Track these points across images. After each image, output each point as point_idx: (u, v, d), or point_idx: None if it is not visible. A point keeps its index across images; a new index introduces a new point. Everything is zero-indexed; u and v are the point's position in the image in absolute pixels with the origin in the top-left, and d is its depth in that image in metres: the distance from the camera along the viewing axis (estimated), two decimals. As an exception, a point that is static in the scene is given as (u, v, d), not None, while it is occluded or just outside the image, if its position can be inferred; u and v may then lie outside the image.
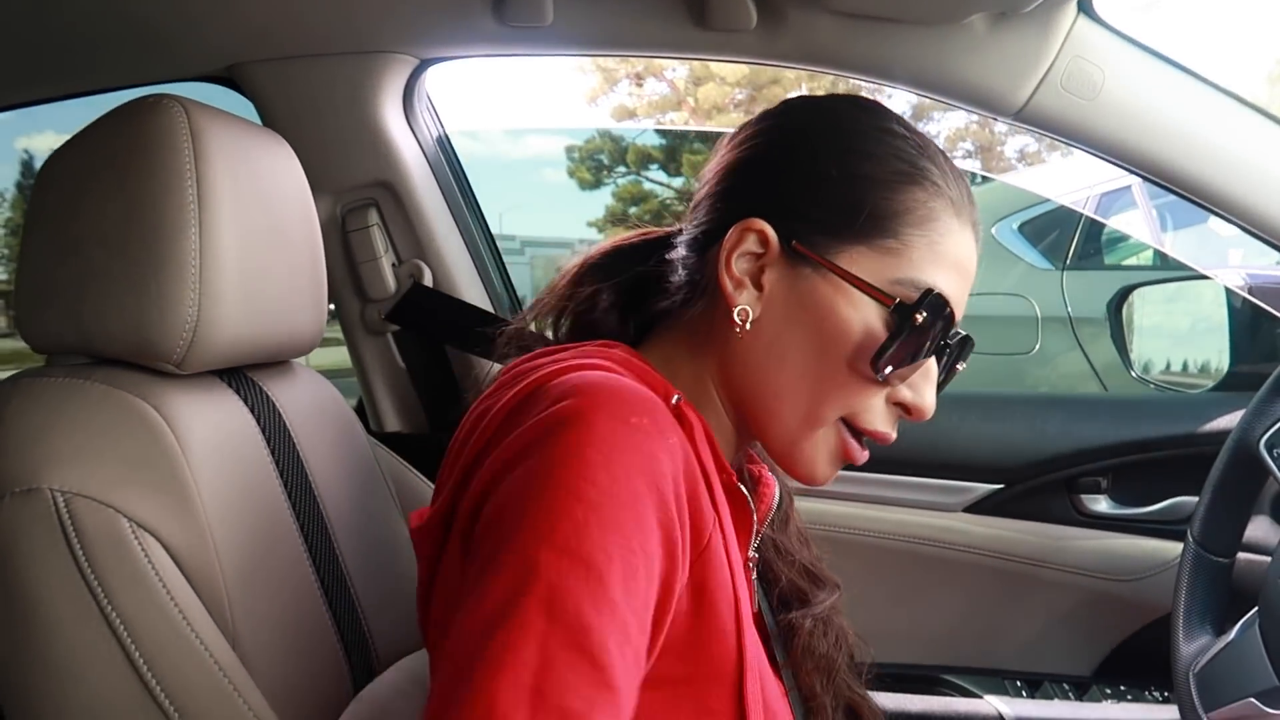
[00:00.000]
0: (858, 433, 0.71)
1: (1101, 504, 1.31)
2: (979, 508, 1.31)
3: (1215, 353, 1.47)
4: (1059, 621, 1.32)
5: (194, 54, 1.21)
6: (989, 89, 1.06)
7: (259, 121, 1.23)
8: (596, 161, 10.73)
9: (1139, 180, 2.97)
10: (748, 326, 0.71)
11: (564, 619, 0.51)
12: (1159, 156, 1.05)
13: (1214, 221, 1.47)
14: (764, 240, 0.70)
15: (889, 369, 0.67)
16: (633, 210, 10.38)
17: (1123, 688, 1.30)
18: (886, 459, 1.31)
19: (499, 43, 1.17)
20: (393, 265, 1.30)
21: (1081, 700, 1.30)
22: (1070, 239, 3.20)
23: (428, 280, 1.30)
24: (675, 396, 0.68)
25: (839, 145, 0.71)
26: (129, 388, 0.74)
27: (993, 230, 3.12)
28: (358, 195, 1.28)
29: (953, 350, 0.72)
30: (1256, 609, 0.88)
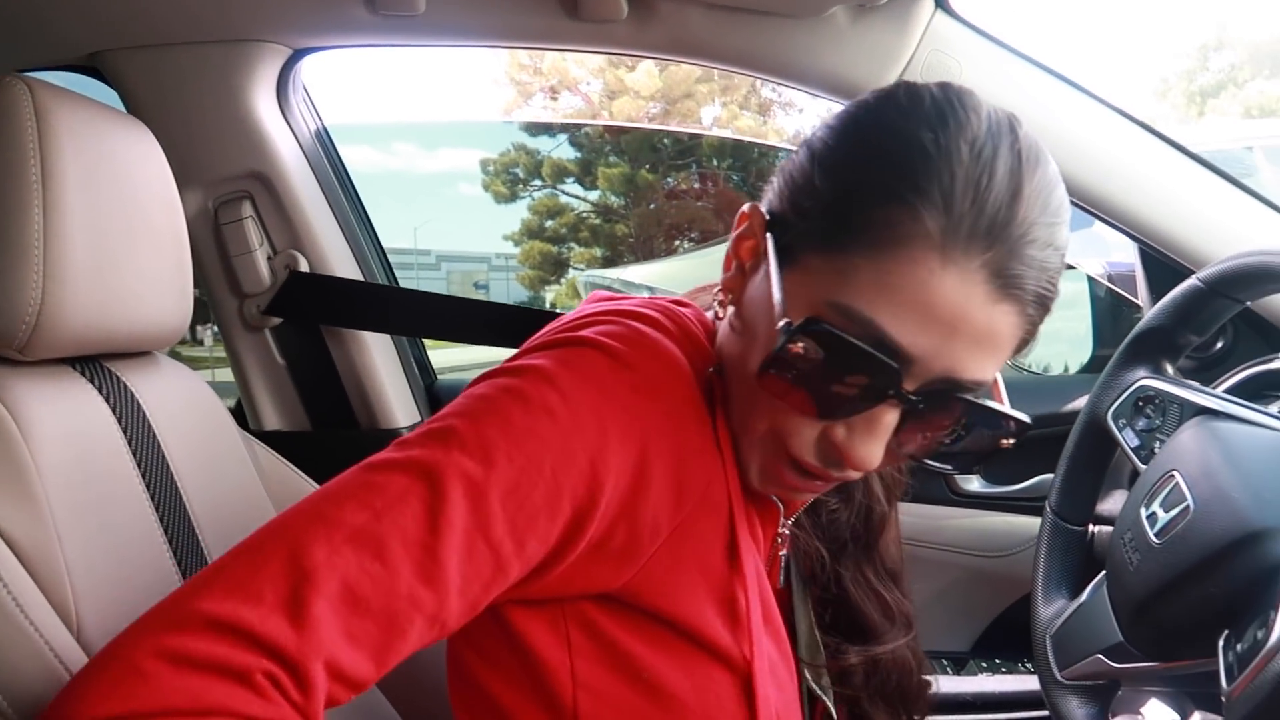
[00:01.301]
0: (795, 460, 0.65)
1: (974, 484, 1.36)
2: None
3: (1080, 338, 1.55)
4: (937, 599, 1.36)
5: (54, 41, 1.17)
6: (853, 80, 1.09)
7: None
8: (512, 175, 10.68)
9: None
10: (727, 310, 0.69)
11: (436, 479, 0.56)
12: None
13: (1100, 226, 1.55)
14: (757, 227, 0.66)
15: (775, 394, 0.62)
16: (549, 223, 10.37)
17: (998, 660, 1.34)
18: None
19: (372, 32, 1.16)
20: (268, 258, 1.27)
21: (959, 675, 1.34)
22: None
23: (303, 269, 1.27)
24: (714, 366, 0.69)
25: (856, 140, 0.63)
26: (-35, 374, 0.72)
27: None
28: (230, 188, 1.26)
29: (920, 412, 0.60)
30: (1105, 572, 0.93)
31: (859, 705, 0.80)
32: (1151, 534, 0.82)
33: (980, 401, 0.61)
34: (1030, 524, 1.33)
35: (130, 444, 0.83)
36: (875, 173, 0.60)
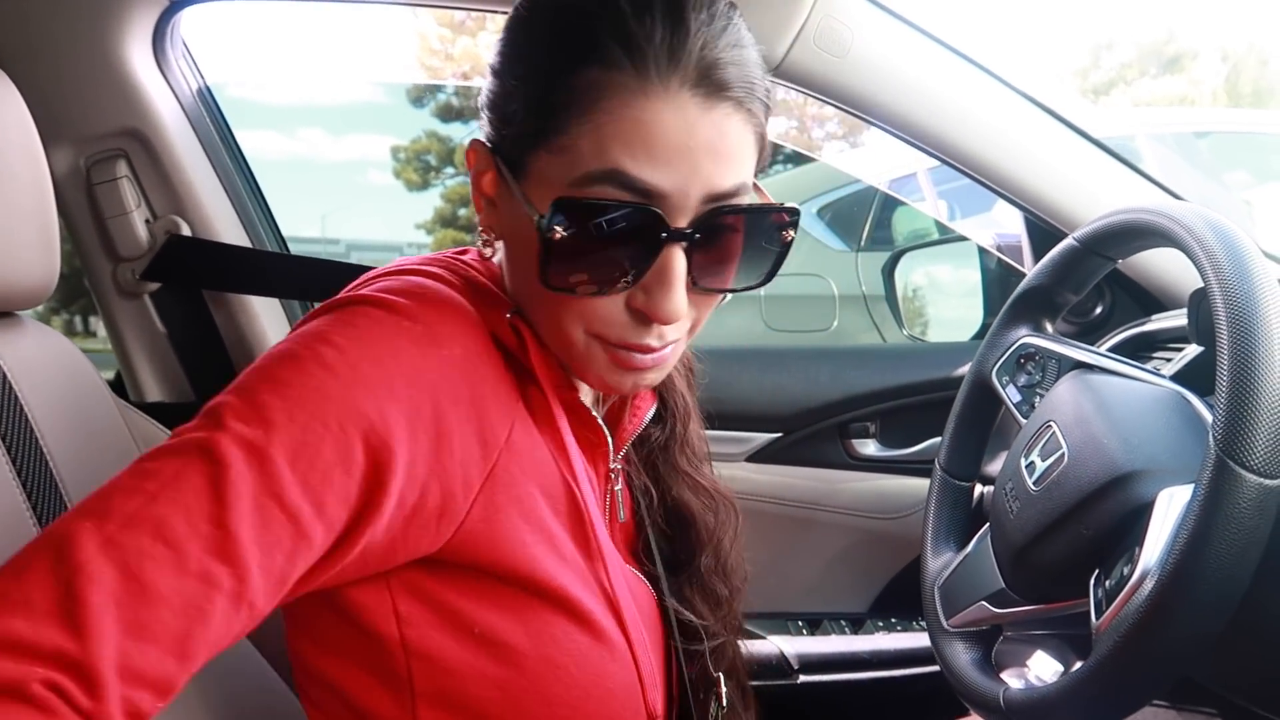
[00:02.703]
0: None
1: (870, 447, 1.39)
2: (759, 456, 1.37)
3: (971, 306, 1.59)
4: (836, 561, 1.39)
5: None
6: (748, 44, 1.10)
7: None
8: (424, 162, 10.47)
9: (923, 168, 3.21)
10: (491, 249, 0.71)
11: (212, 452, 0.53)
12: (902, 113, 1.13)
13: (998, 209, 1.59)
14: (485, 158, 0.67)
15: (563, 288, 0.63)
16: (462, 212, 10.22)
17: (894, 620, 1.38)
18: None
19: (255, -17, 1.11)
20: (146, 221, 1.22)
21: (856, 634, 1.37)
22: (864, 222, 3.39)
23: (186, 234, 1.22)
24: (510, 311, 0.68)
25: (524, 35, 0.66)
26: None
27: (793, 214, 3.27)
28: (104, 146, 1.19)
29: (699, 242, 0.62)
30: (989, 524, 0.96)
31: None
32: (1030, 482, 0.84)
33: (748, 203, 0.64)
34: (921, 485, 1.36)
35: (-13, 406, 0.79)
36: (552, 53, 0.62)
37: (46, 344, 0.91)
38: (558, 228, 0.60)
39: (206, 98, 1.29)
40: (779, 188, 3.61)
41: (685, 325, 0.68)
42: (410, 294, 0.64)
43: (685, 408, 0.86)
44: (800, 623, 1.39)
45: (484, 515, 0.63)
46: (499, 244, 0.71)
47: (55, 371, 0.90)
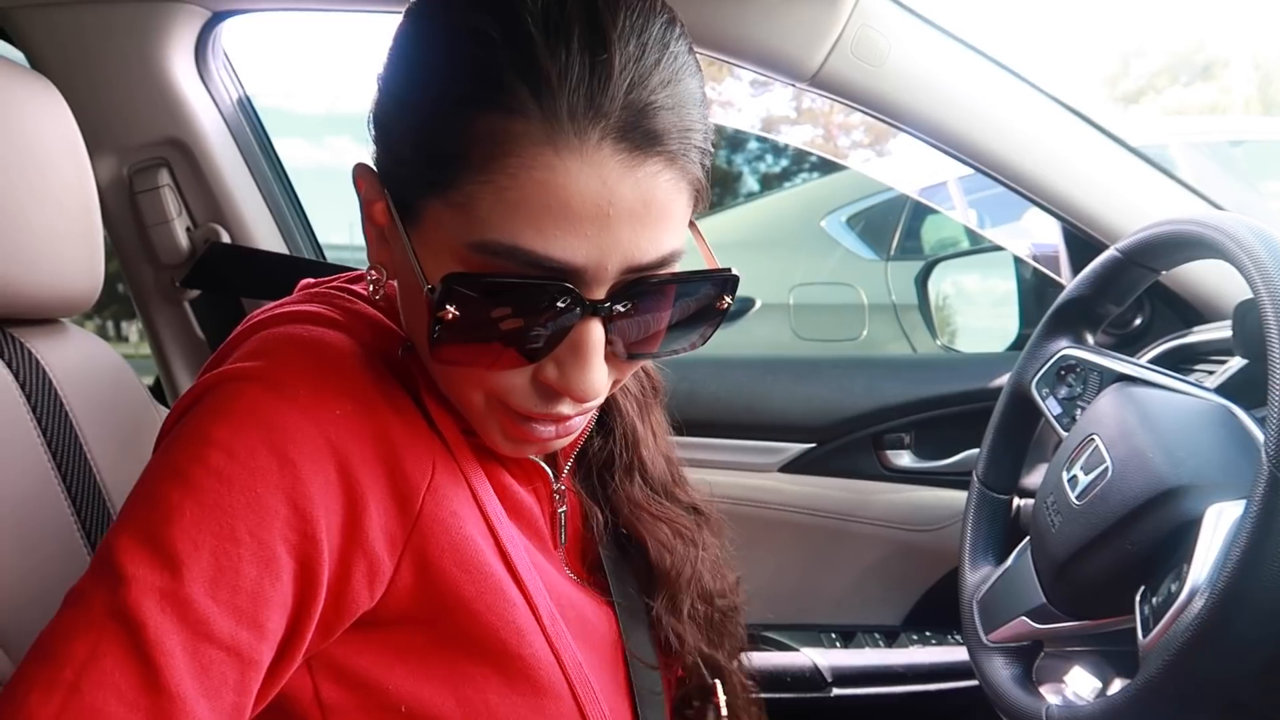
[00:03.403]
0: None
1: (905, 458, 1.38)
2: (792, 467, 1.36)
3: (1006, 316, 1.58)
4: (869, 573, 1.38)
5: (-46, -2, 1.12)
6: (784, 54, 1.09)
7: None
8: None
9: (953, 177, 3.19)
10: (380, 290, 0.62)
11: (124, 613, 0.47)
12: (939, 121, 1.12)
13: (1028, 219, 1.58)
14: (374, 189, 0.59)
15: (457, 363, 0.56)
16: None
17: (928, 633, 1.36)
18: (702, 422, 1.34)
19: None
20: (187, 229, 1.23)
21: (890, 647, 1.36)
22: (894, 231, 3.37)
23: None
24: (402, 347, 0.62)
25: (412, 59, 0.56)
26: None
27: (821, 223, 3.25)
28: (146, 154, 1.21)
29: (619, 313, 0.55)
30: (1029, 537, 0.94)
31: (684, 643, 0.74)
32: (1072, 496, 0.83)
33: (675, 274, 0.56)
34: (959, 498, 1.35)
35: (35, 413, 0.80)
36: (445, 89, 0.52)
37: (90, 350, 0.92)
38: (450, 306, 0.52)
39: (246, 107, 1.30)
40: (806, 197, 3.60)
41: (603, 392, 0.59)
42: (281, 354, 0.57)
43: (633, 432, 0.76)
44: (833, 635, 1.38)
45: (413, 570, 0.57)
46: (393, 282, 0.63)
47: (98, 377, 0.91)
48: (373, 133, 0.59)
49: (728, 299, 0.59)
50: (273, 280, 1.22)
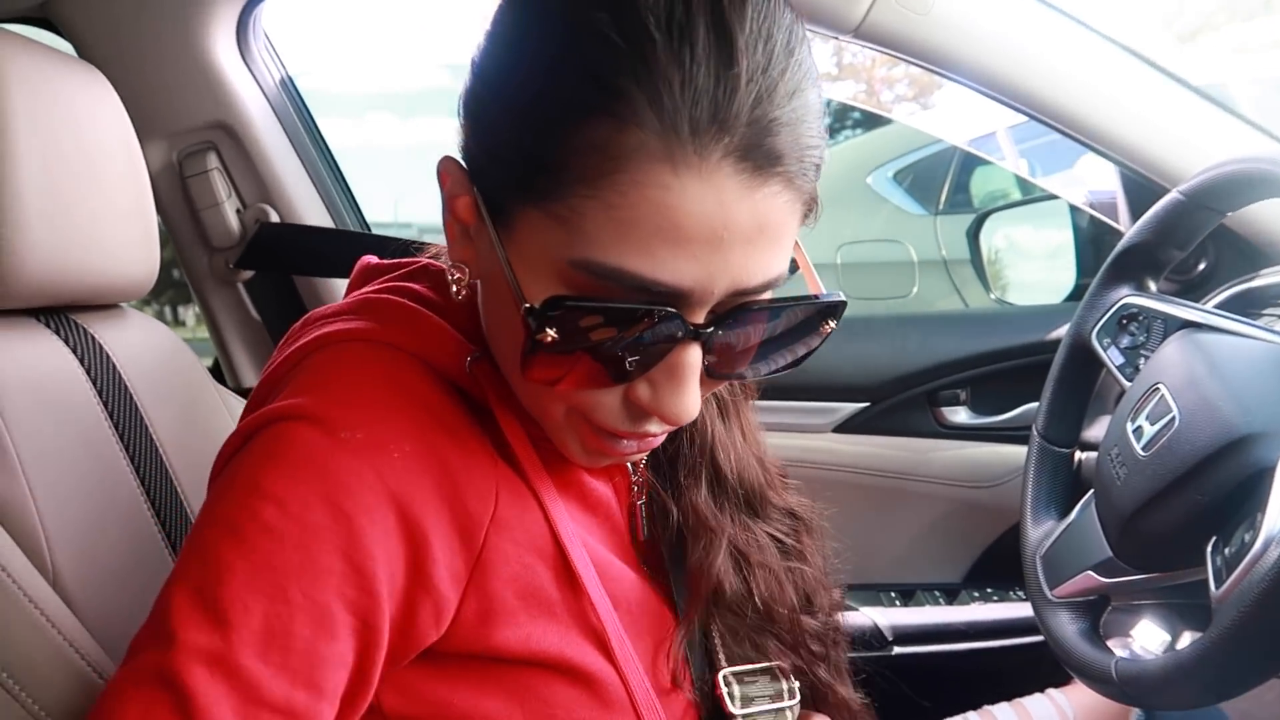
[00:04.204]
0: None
1: (961, 415, 1.36)
2: (847, 426, 1.35)
3: (1062, 267, 1.54)
4: (928, 531, 1.36)
5: (1, -8, 1.14)
6: (826, 5, 1.07)
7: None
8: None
9: (1003, 126, 3.11)
10: (463, 290, 0.58)
11: (173, 680, 0.45)
12: (988, 69, 1.09)
13: (1081, 166, 1.53)
14: (461, 184, 0.55)
15: (550, 383, 0.53)
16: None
17: (989, 590, 1.35)
18: (755, 385, 1.33)
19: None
20: (237, 211, 1.25)
21: (951, 605, 1.35)
22: (942, 185, 3.30)
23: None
24: (471, 356, 0.59)
25: (518, 53, 0.51)
26: (-75, 325, 0.70)
27: (868, 179, 3.20)
28: (194, 139, 1.23)
29: (720, 337, 0.52)
30: (1093, 490, 0.93)
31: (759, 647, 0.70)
32: (1138, 447, 0.81)
33: (781, 300, 0.53)
34: (1018, 453, 1.33)
35: (100, 395, 0.82)
36: (550, 89, 0.48)
37: (149, 332, 0.94)
38: (550, 330, 0.49)
39: (289, 87, 1.31)
40: (850, 154, 3.54)
41: None
42: (336, 389, 0.54)
43: (706, 434, 0.71)
44: (893, 594, 1.37)
45: (477, 606, 0.56)
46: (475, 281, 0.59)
47: (158, 358, 0.93)
48: (462, 120, 0.55)
49: (831, 324, 0.56)
50: (324, 255, 1.24)
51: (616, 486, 0.68)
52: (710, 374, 0.54)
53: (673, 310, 0.49)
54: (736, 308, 0.51)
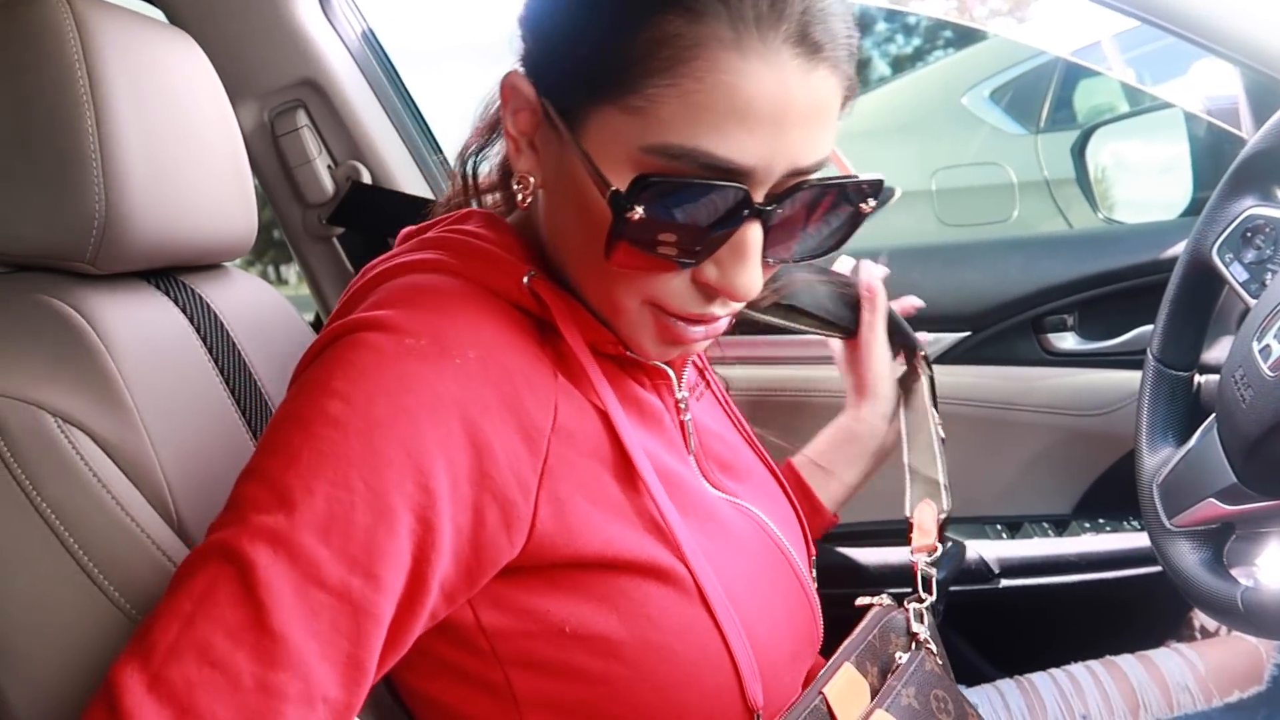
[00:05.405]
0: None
1: (1068, 341, 1.30)
2: (947, 358, 1.31)
3: (1178, 180, 1.45)
4: (1035, 462, 1.32)
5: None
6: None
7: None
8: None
9: (1108, 35, 2.93)
10: (529, 198, 0.62)
11: (237, 553, 0.49)
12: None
13: (1197, 70, 1.44)
14: (527, 97, 0.59)
15: (632, 266, 0.57)
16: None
17: (1101, 520, 1.31)
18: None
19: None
20: (329, 168, 1.27)
21: (1061, 537, 1.31)
22: (1043, 101, 3.14)
23: (366, 181, 1.27)
24: (527, 275, 0.62)
25: None
26: (45, 290, 0.73)
27: (963, 100, 3.07)
28: (283, 98, 1.25)
29: (778, 215, 0.57)
30: (1215, 415, 0.88)
31: None
32: (1265, 367, 0.77)
33: (832, 179, 0.58)
34: (1130, 379, 1.27)
35: (210, 351, 0.85)
36: None
37: (252, 290, 0.97)
38: (639, 208, 0.53)
39: (371, 41, 1.32)
40: (943, 75, 3.39)
41: None
42: (405, 302, 0.58)
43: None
44: (999, 526, 1.34)
45: (551, 512, 0.58)
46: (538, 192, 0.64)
47: (264, 316, 0.96)
48: (522, 34, 0.60)
49: (870, 203, 0.60)
50: (405, 222, 1.25)
51: (666, 404, 0.71)
52: (765, 256, 0.58)
53: (742, 186, 0.54)
54: (792, 187, 0.56)
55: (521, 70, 0.60)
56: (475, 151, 0.75)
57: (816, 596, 0.76)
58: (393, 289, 0.60)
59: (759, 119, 0.52)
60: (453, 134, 1.42)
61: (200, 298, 0.88)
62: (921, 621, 0.78)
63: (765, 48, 0.52)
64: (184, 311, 0.85)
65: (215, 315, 0.88)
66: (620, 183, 0.54)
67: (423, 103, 1.35)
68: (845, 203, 0.60)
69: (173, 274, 0.87)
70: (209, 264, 0.92)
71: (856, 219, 0.61)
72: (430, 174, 1.33)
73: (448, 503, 0.53)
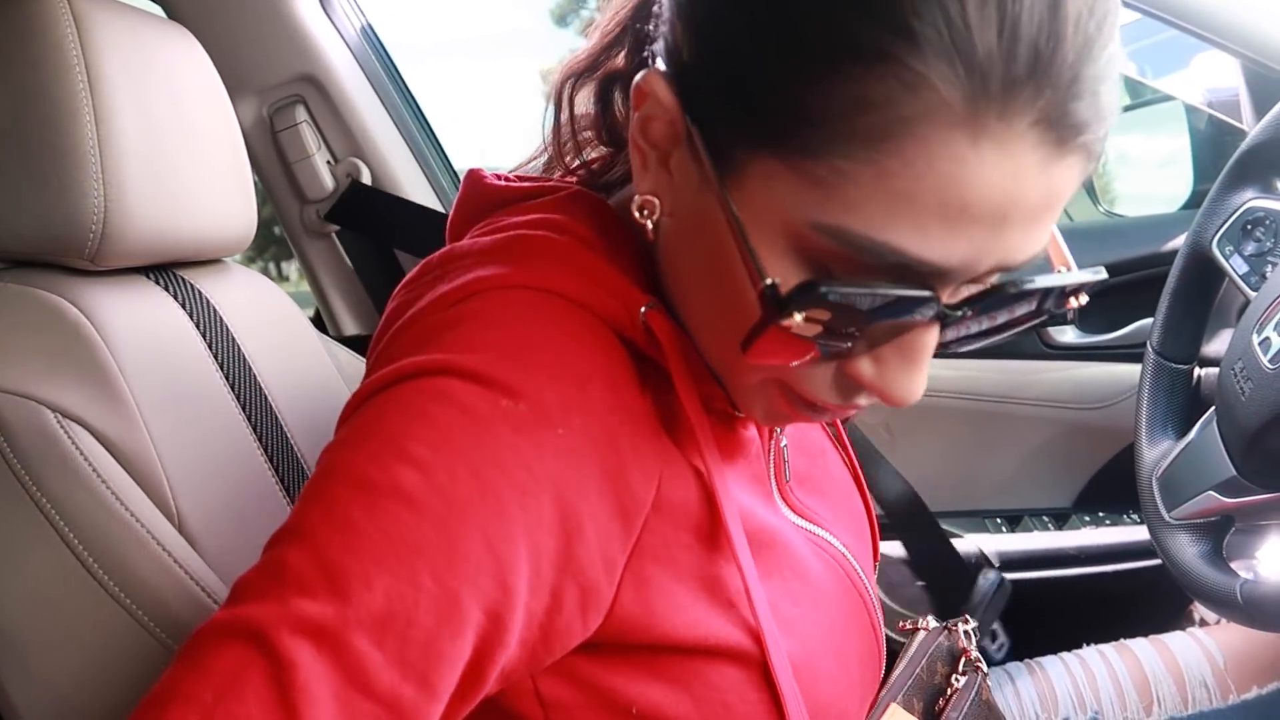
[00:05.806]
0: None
1: (1068, 334, 1.31)
2: (946, 351, 1.31)
3: (1177, 173, 1.45)
4: (1035, 456, 1.33)
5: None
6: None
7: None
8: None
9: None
10: (651, 221, 0.50)
11: (274, 647, 0.39)
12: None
13: (1197, 63, 1.43)
14: (666, 106, 0.47)
15: (765, 359, 0.45)
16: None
17: (1101, 513, 1.31)
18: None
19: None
20: (328, 163, 1.27)
21: (1061, 530, 1.31)
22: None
23: (366, 178, 1.27)
24: (644, 306, 0.50)
25: None
26: (44, 286, 0.73)
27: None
28: (282, 93, 1.25)
29: (963, 318, 0.44)
30: (1214, 408, 0.88)
31: None
32: (1265, 360, 0.77)
33: (1048, 282, 0.45)
34: (1130, 372, 1.27)
35: (210, 347, 0.85)
36: (829, 22, 0.39)
37: (252, 285, 0.97)
38: (797, 315, 0.41)
39: (370, 37, 1.32)
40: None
41: None
42: (500, 343, 0.47)
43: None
44: (998, 520, 1.35)
45: (635, 594, 0.50)
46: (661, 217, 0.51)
47: (263, 312, 0.96)
48: (675, 20, 0.47)
49: (1080, 298, 0.48)
50: (409, 228, 1.25)
51: (762, 435, 0.62)
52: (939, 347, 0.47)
53: (930, 294, 0.42)
54: (992, 289, 0.44)
55: (663, 68, 0.47)
56: (577, 77, 0.58)
57: (883, 630, 0.68)
58: (481, 318, 0.49)
59: (975, 219, 0.40)
60: (451, 129, 1.43)
61: (200, 293, 0.88)
62: (971, 641, 0.72)
63: (1007, 130, 0.38)
64: (183, 307, 0.85)
65: (215, 310, 0.88)
66: (775, 262, 0.43)
67: (420, 97, 1.35)
68: (1049, 301, 0.47)
69: (172, 269, 0.87)
70: (209, 259, 0.92)
71: (1061, 315, 0.49)
72: (430, 171, 1.33)
73: (524, 594, 0.44)
